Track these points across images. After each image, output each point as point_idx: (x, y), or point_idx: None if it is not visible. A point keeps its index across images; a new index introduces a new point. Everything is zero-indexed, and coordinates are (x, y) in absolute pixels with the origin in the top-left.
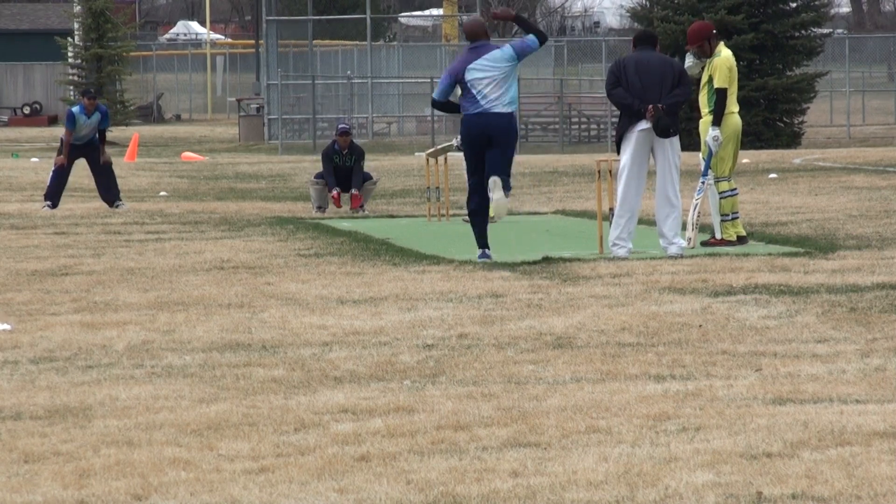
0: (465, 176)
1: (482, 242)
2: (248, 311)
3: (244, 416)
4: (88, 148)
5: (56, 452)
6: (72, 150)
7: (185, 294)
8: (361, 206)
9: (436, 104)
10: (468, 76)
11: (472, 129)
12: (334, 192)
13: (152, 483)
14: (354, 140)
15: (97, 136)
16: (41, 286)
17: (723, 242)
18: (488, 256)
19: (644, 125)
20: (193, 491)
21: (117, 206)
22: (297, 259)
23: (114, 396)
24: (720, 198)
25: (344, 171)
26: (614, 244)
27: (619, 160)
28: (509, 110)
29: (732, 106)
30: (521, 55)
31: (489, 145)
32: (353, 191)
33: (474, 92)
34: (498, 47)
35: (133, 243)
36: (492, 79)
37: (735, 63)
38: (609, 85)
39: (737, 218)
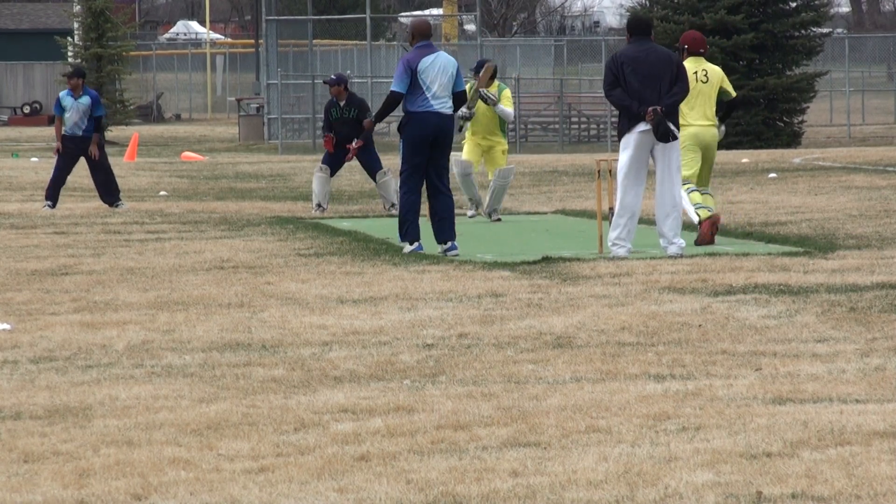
0: (403, 167)
1: (416, 235)
2: (248, 311)
3: (244, 416)
4: (86, 144)
5: (56, 452)
6: (68, 144)
7: (185, 294)
8: (390, 204)
9: (397, 97)
10: (421, 70)
11: (424, 127)
12: (327, 135)
13: (152, 483)
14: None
15: (92, 125)
16: (41, 286)
17: (706, 226)
18: (421, 248)
19: (644, 126)
20: (193, 491)
21: (117, 206)
22: (297, 259)
23: (114, 396)
24: (686, 192)
25: (347, 124)
26: (614, 244)
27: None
28: (451, 112)
29: (692, 118)
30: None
31: (433, 145)
32: (355, 143)
33: (424, 87)
34: (444, 53)
35: (133, 243)
36: (441, 80)
37: (692, 76)
38: (608, 85)
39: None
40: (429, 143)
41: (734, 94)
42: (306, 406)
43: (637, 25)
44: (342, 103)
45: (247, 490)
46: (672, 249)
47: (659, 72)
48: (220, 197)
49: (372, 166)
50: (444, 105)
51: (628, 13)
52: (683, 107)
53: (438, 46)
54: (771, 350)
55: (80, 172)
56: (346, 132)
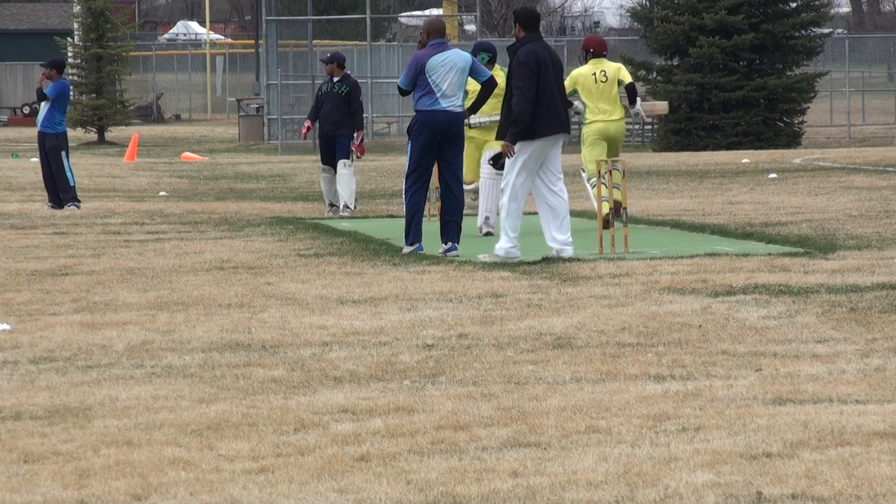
0: (411, 167)
1: (418, 237)
2: (248, 311)
3: (244, 416)
4: (45, 140)
5: (56, 452)
6: (38, 141)
7: (185, 294)
8: (343, 205)
9: (403, 92)
10: (430, 69)
11: (432, 126)
12: (307, 123)
13: (152, 483)
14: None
15: (49, 117)
16: (41, 286)
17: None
18: (421, 249)
19: (551, 135)
20: (193, 491)
21: (70, 207)
22: (297, 259)
23: (114, 396)
24: (591, 186)
25: (334, 99)
26: (564, 246)
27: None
28: (461, 110)
29: (594, 115)
30: (472, 72)
31: (443, 143)
32: (356, 137)
33: (433, 87)
34: (457, 50)
35: (133, 243)
36: (451, 78)
37: (585, 79)
38: (532, 93)
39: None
40: (437, 142)
41: (628, 80)
42: (306, 406)
43: (533, 19)
44: (336, 79)
45: (247, 490)
46: (569, 251)
47: (560, 74)
48: (220, 197)
49: (342, 153)
50: (453, 104)
51: (628, 14)
52: (588, 103)
53: None
54: (771, 350)
55: (80, 173)
56: (330, 108)
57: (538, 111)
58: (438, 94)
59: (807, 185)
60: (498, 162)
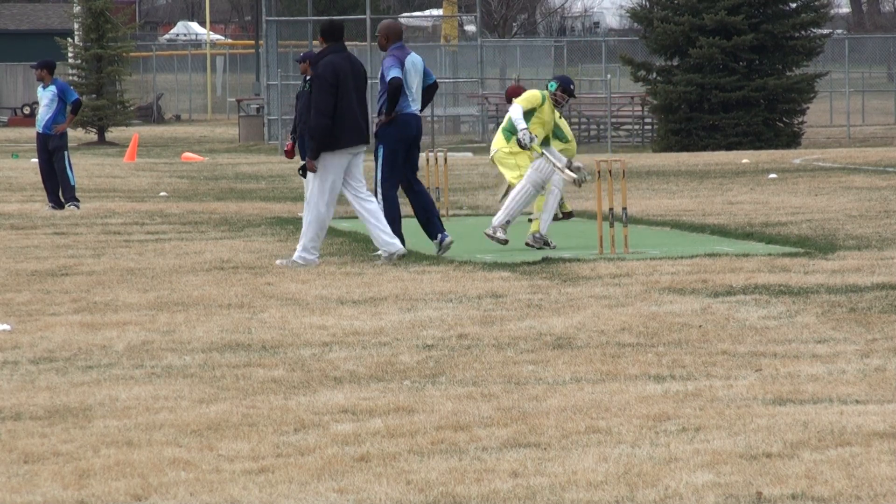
0: (385, 171)
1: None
2: (248, 312)
3: (244, 416)
4: (46, 140)
5: (56, 452)
6: (38, 141)
7: (185, 294)
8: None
9: (399, 82)
10: (406, 71)
11: (408, 128)
12: (288, 143)
13: (152, 483)
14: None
15: (52, 118)
16: (41, 286)
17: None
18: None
19: (356, 149)
20: (193, 491)
21: (70, 207)
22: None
23: (114, 396)
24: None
25: (307, 98)
26: (313, 251)
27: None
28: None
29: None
30: (424, 73)
31: (410, 148)
32: None
33: (406, 89)
34: (413, 52)
35: (133, 243)
36: (417, 81)
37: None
38: (330, 105)
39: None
40: (409, 144)
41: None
42: (306, 407)
43: (336, 30)
44: (308, 78)
45: (247, 491)
46: (402, 249)
47: (363, 84)
48: (221, 198)
49: None
50: (418, 107)
51: (628, 14)
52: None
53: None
54: (771, 351)
55: (80, 173)
56: (302, 107)
57: (337, 124)
58: (410, 98)
59: (807, 186)
60: (303, 170)
